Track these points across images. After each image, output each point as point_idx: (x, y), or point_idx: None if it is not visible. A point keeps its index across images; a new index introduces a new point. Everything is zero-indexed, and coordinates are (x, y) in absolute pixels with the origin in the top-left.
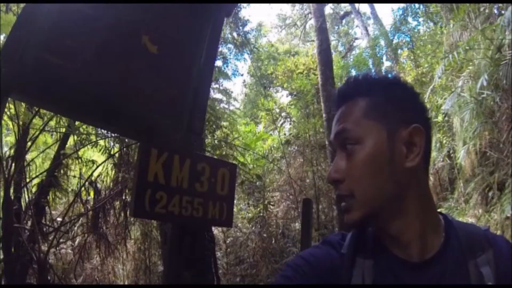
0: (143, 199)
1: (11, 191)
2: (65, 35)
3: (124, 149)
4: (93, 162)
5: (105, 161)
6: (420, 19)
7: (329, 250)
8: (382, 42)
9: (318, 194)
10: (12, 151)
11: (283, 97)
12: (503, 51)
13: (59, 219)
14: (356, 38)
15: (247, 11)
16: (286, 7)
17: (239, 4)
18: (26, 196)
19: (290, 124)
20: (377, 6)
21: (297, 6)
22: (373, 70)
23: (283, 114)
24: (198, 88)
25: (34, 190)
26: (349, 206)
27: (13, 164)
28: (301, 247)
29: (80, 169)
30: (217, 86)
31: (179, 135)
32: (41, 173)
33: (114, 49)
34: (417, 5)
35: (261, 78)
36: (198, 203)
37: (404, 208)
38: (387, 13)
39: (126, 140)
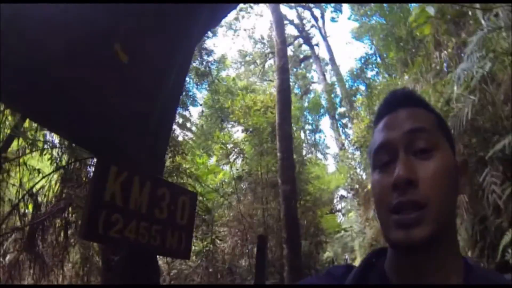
0: (96, 220)
1: None
2: (31, 28)
3: (74, 162)
4: (39, 171)
5: (51, 173)
6: (376, 70)
7: (331, 281)
8: (338, 89)
9: (267, 232)
10: None
11: (238, 132)
12: (451, 104)
13: None
14: (313, 82)
15: (212, 41)
16: (248, 44)
17: (208, 31)
18: None
19: (243, 160)
20: (336, 52)
21: (259, 44)
22: (327, 114)
23: (237, 149)
24: (166, 108)
25: None
26: (420, 218)
27: None
28: (255, 281)
29: (21, 178)
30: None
31: (142, 155)
32: None
33: (82, 50)
34: (374, 56)
35: (218, 111)
36: (156, 231)
37: (451, 238)
38: (344, 61)
39: (77, 152)
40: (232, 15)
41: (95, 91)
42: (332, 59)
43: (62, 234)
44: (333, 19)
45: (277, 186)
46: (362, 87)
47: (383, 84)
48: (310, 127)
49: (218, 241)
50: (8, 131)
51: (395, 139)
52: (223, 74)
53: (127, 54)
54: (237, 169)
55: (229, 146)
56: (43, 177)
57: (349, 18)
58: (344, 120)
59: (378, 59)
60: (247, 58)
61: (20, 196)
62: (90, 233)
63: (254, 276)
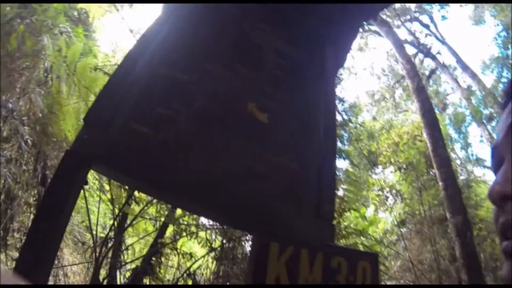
0: None
1: (104, 272)
2: (156, 102)
3: (227, 243)
4: (191, 255)
5: (205, 255)
6: None
7: None
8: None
9: (441, 277)
10: (111, 233)
11: (390, 175)
12: None
13: None
14: (448, 94)
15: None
16: (373, 83)
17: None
18: (120, 280)
19: (402, 202)
20: (461, 52)
21: (383, 78)
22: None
23: (393, 191)
24: (322, 162)
25: (128, 275)
26: None
27: (107, 246)
28: None
29: (179, 260)
30: None
31: (304, 223)
32: (136, 259)
33: (215, 118)
34: None
35: (365, 158)
36: None
37: None
38: (472, 59)
39: (231, 231)
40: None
41: (239, 161)
42: (459, 60)
43: None
44: (443, 17)
45: (445, 221)
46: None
47: None
48: (460, 143)
49: None
50: (163, 219)
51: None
52: (359, 119)
53: (264, 112)
54: (399, 213)
55: (385, 190)
56: (197, 260)
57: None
58: (494, 123)
59: None
60: (376, 97)
61: (178, 276)
62: None
63: None
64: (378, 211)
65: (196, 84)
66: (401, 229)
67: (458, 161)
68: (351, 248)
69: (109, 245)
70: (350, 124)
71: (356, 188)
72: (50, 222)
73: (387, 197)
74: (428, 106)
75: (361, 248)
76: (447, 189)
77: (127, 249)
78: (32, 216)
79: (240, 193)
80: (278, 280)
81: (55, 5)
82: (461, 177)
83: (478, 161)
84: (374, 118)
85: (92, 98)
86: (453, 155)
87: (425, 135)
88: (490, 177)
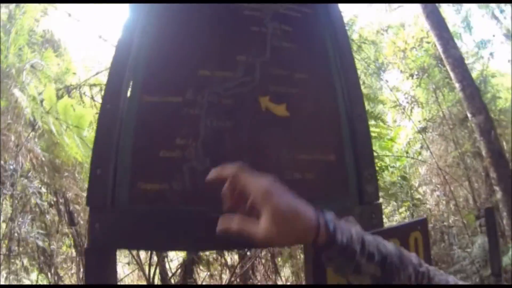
0: None
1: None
2: (156, 145)
3: None
4: None
5: None
6: None
7: None
8: None
9: (469, 177)
10: None
11: (402, 83)
12: None
13: None
14: None
15: None
16: None
17: None
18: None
19: (421, 108)
20: None
21: None
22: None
23: (409, 98)
24: (353, 137)
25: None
26: None
27: None
28: (490, 260)
29: None
30: None
31: (349, 213)
32: None
33: (227, 135)
34: None
35: (373, 68)
36: None
37: None
38: None
39: None
40: None
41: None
42: None
43: None
44: None
45: (466, 120)
46: None
47: None
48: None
49: (420, 205)
50: None
51: None
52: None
53: (281, 102)
54: (418, 120)
55: (400, 99)
56: None
57: None
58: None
59: None
60: None
61: None
62: None
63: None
64: (396, 121)
65: (195, 103)
66: (423, 135)
67: (468, 57)
68: (401, 223)
69: None
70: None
71: (371, 101)
72: None
73: (404, 107)
74: (431, 7)
75: (387, 162)
76: (464, 90)
77: None
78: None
79: None
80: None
81: (14, 46)
82: (474, 72)
83: (492, 54)
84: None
85: (84, 133)
86: (463, 50)
87: (433, 37)
88: (503, 68)
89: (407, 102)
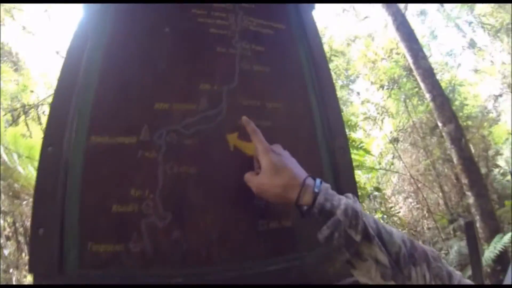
0: None
1: None
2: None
3: None
4: None
5: None
6: None
7: None
8: None
9: (440, 181)
10: None
11: (372, 95)
12: None
13: None
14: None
15: None
16: None
17: None
18: None
19: (392, 118)
20: None
21: None
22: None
23: (379, 108)
24: (336, 166)
25: None
26: None
27: None
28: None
29: None
30: None
31: None
32: None
33: (190, 183)
34: None
35: (342, 80)
36: None
37: None
38: None
39: None
40: None
41: None
42: None
43: None
44: None
45: (436, 128)
46: None
47: None
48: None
49: (394, 215)
50: None
51: None
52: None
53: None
54: (390, 131)
55: (371, 110)
56: None
57: None
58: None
59: None
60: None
61: None
62: None
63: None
64: (367, 133)
65: (151, 145)
66: (395, 145)
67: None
68: None
69: None
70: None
71: (350, 129)
72: None
73: (374, 118)
74: (401, 18)
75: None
76: (435, 100)
77: None
78: None
79: None
80: None
81: None
82: (442, 83)
83: (459, 64)
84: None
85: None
86: (432, 60)
87: (402, 48)
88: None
89: (378, 113)
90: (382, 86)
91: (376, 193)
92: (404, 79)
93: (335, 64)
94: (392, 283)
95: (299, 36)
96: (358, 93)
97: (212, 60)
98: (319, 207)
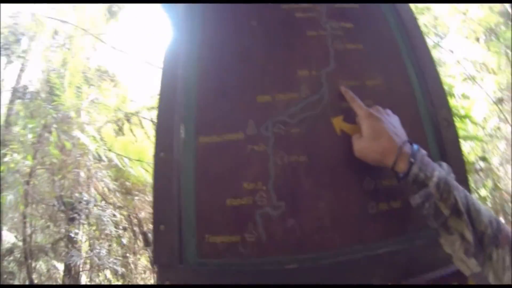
0: None
1: None
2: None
3: None
4: None
5: None
6: None
7: None
8: None
9: None
10: None
11: (467, 51)
12: None
13: None
14: None
15: None
16: None
17: None
18: None
19: (493, 75)
20: None
21: None
22: None
23: (478, 65)
24: (442, 141)
25: None
26: None
27: None
28: None
29: None
30: None
31: None
32: None
33: (302, 171)
34: None
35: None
36: None
37: None
38: None
39: None
40: None
41: None
42: None
43: None
44: None
45: None
46: None
47: None
48: None
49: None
50: None
51: None
52: None
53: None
54: (493, 91)
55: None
56: None
57: None
58: None
59: None
60: None
61: None
62: None
63: None
64: (466, 95)
65: (259, 138)
66: (500, 107)
67: None
68: None
69: None
70: None
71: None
72: None
73: (473, 77)
74: None
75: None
76: None
77: None
78: None
79: None
80: None
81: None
82: None
83: None
84: None
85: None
86: None
87: None
88: None
89: (476, 71)
90: (477, 39)
91: (481, 163)
92: (503, 27)
93: (421, 22)
94: (473, 260)
95: (387, 5)
96: (452, 51)
97: (304, 45)
98: (413, 176)
